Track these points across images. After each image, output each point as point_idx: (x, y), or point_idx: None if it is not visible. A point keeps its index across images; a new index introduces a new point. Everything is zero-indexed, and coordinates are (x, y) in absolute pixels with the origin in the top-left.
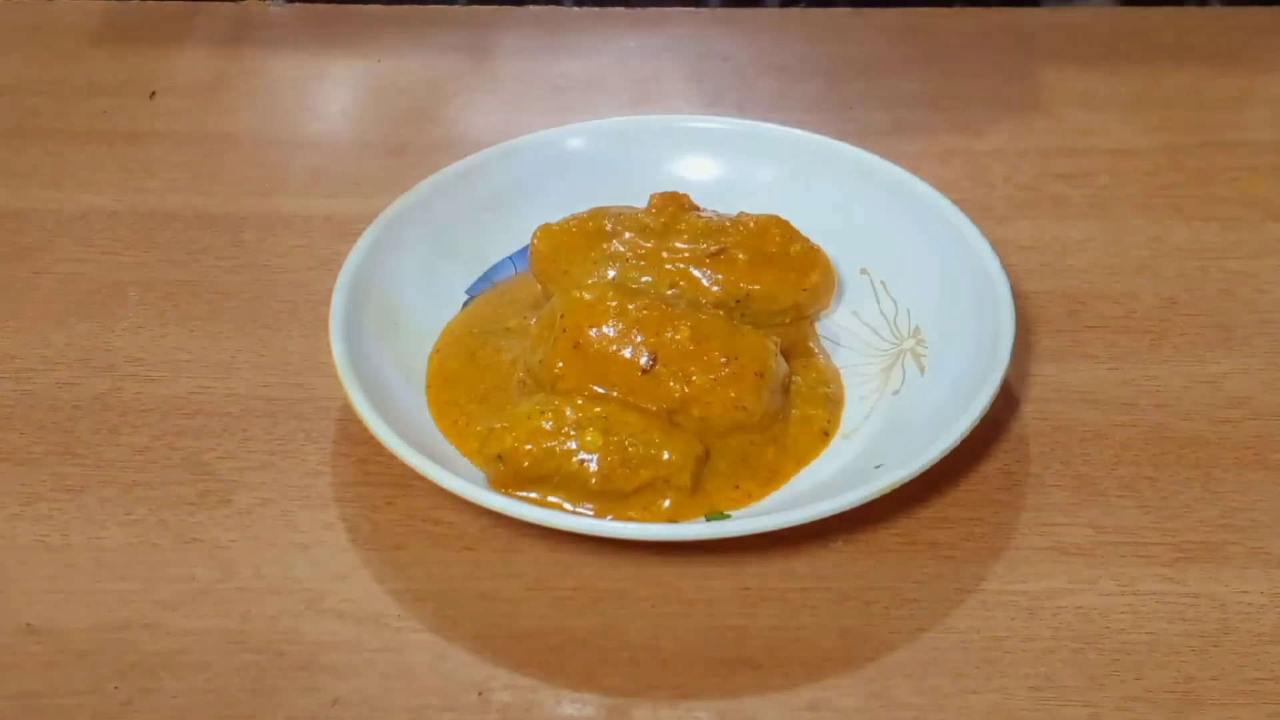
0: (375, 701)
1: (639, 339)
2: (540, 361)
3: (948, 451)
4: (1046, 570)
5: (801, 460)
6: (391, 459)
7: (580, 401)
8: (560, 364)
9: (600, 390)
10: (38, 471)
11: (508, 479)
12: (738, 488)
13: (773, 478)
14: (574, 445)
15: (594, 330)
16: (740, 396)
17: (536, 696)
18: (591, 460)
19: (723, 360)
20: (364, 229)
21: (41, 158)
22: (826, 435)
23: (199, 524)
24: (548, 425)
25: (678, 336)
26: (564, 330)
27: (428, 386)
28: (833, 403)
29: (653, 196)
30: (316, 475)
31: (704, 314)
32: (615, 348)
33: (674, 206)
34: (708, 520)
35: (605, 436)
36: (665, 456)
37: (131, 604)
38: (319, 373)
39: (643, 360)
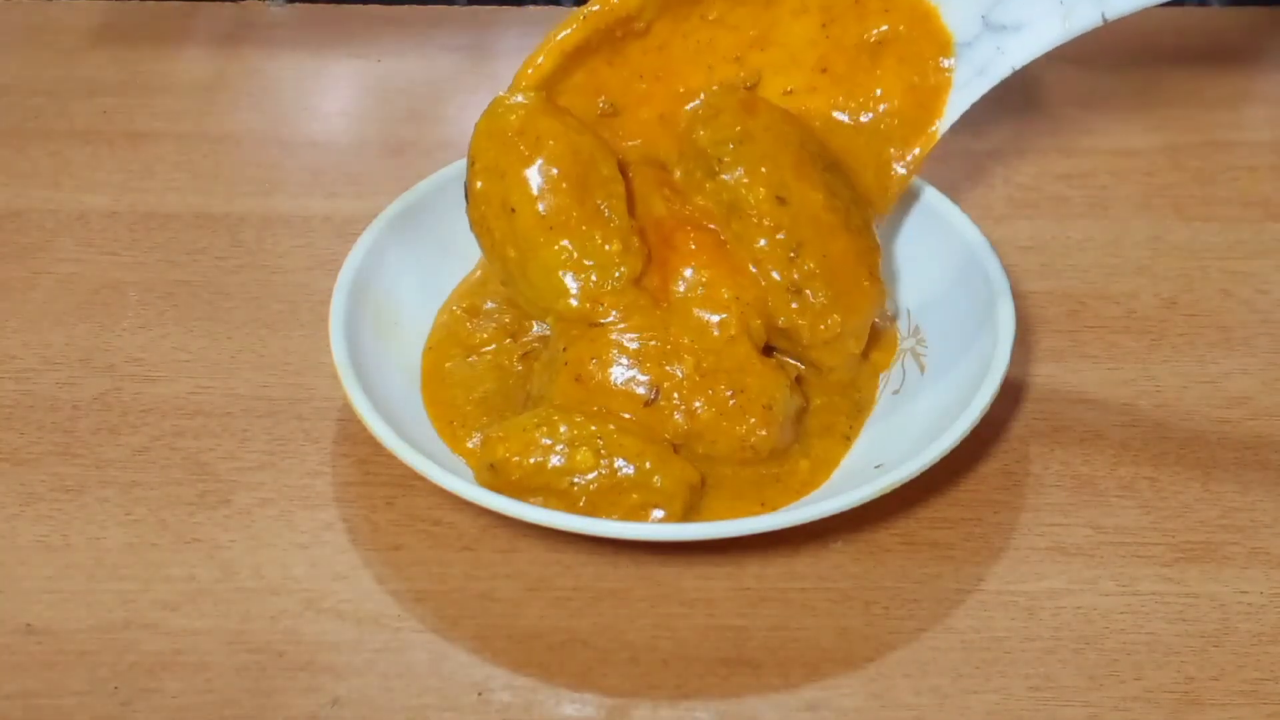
0: (375, 702)
1: (641, 371)
2: (541, 395)
3: (948, 451)
4: (1046, 570)
5: (830, 467)
6: (391, 459)
7: (579, 419)
8: (560, 400)
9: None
10: (37, 471)
11: (500, 488)
12: (764, 504)
13: (803, 490)
14: (564, 463)
15: (594, 361)
16: (746, 433)
17: (536, 696)
18: (580, 480)
19: (728, 394)
20: (364, 229)
21: (41, 158)
22: (848, 440)
23: (198, 524)
24: (543, 440)
25: (682, 369)
26: (565, 364)
27: (423, 386)
28: (857, 408)
29: None
30: (316, 475)
31: (717, 343)
32: (617, 381)
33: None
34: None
35: (596, 457)
36: (655, 481)
37: (131, 604)
38: (319, 373)
39: (641, 391)
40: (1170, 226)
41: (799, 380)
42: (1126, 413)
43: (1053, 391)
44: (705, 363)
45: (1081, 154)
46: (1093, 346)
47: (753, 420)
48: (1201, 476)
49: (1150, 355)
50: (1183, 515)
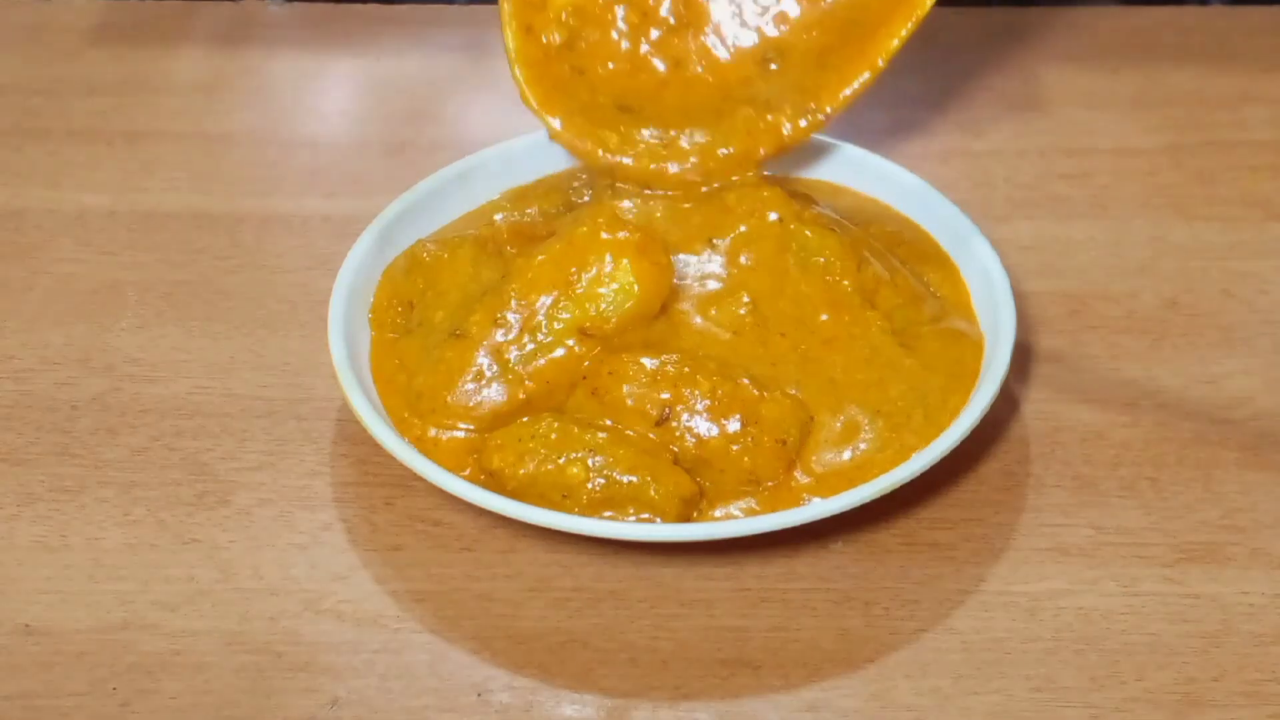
0: (374, 702)
1: (656, 391)
2: (558, 404)
3: (948, 451)
4: (1047, 571)
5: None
6: (390, 459)
7: (575, 430)
8: (575, 413)
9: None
10: (35, 472)
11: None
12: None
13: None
14: (558, 475)
15: (610, 374)
16: (755, 468)
17: (536, 697)
18: (575, 492)
19: (740, 423)
20: (363, 229)
21: (40, 157)
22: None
23: (197, 524)
24: (540, 450)
25: (697, 393)
26: (583, 378)
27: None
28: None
29: None
30: (315, 476)
31: (734, 375)
32: (630, 399)
33: None
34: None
35: (591, 470)
36: (651, 493)
37: (129, 605)
38: (318, 373)
39: (652, 411)
40: (1171, 226)
41: None
42: (1127, 413)
43: (1053, 391)
44: (721, 389)
45: (1082, 154)
46: (1093, 346)
47: (762, 454)
48: (1203, 477)
49: (1151, 355)
50: (1184, 516)
